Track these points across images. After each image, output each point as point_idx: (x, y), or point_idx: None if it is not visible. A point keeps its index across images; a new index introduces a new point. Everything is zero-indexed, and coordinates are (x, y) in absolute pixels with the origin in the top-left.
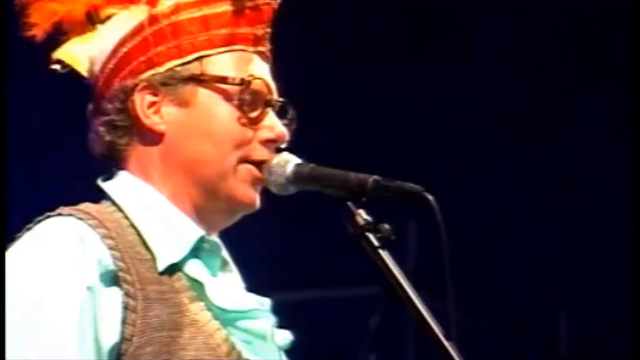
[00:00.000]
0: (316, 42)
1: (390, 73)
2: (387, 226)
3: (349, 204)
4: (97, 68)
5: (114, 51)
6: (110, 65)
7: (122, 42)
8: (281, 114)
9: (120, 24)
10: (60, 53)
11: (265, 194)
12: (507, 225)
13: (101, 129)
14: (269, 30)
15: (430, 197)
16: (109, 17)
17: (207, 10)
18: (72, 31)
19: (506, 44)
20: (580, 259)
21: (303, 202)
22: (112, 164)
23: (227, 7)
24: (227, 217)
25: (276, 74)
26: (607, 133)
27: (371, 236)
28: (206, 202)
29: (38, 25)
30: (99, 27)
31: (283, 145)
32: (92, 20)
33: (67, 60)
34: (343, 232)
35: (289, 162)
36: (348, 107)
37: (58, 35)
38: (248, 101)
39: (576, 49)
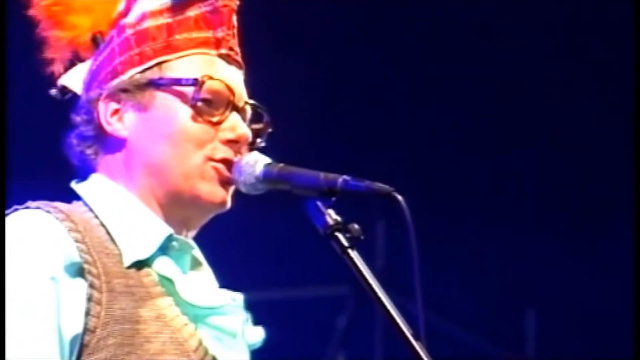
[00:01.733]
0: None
1: (366, 70)
2: (356, 226)
3: (319, 203)
4: (83, 87)
5: (90, 66)
6: (86, 81)
7: (96, 57)
8: (256, 117)
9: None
10: (64, 79)
11: (234, 193)
12: (476, 226)
13: (73, 141)
14: (230, 32)
15: (399, 197)
16: None
17: (171, 18)
18: (85, 57)
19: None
20: (549, 260)
21: (272, 201)
22: (87, 173)
23: (189, 14)
24: (198, 216)
25: (250, 75)
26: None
27: (340, 236)
28: (172, 203)
29: (56, 60)
30: None
31: (262, 145)
32: (97, 44)
33: (70, 86)
34: (312, 231)
35: (258, 161)
36: (317, 107)
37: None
38: (205, 101)
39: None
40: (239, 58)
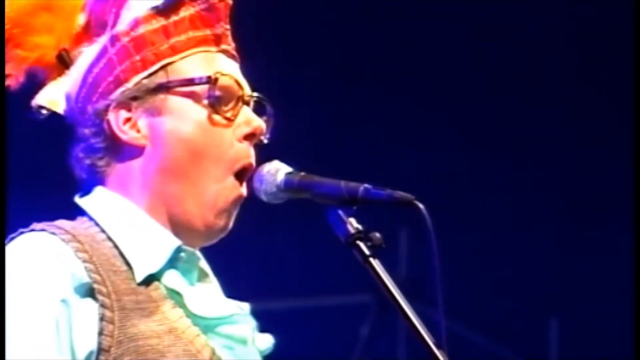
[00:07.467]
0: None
1: (386, 81)
2: (377, 234)
3: (340, 212)
4: (72, 101)
5: (84, 79)
6: (82, 94)
7: (90, 69)
8: (259, 111)
9: (87, 54)
10: (39, 98)
11: (257, 202)
12: (498, 235)
13: (80, 154)
14: (228, 27)
15: (421, 205)
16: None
17: (165, 21)
18: (48, 76)
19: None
20: (572, 269)
21: (294, 210)
22: (93, 185)
23: (184, 14)
24: (201, 240)
25: (260, 72)
26: (603, 144)
27: (362, 245)
28: (181, 216)
29: (11, 76)
30: (72, 67)
31: (268, 147)
32: (64, 62)
33: (47, 105)
34: (334, 240)
35: (279, 170)
36: (338, 113)
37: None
38: (219, 98)
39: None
40: (234, 52)
